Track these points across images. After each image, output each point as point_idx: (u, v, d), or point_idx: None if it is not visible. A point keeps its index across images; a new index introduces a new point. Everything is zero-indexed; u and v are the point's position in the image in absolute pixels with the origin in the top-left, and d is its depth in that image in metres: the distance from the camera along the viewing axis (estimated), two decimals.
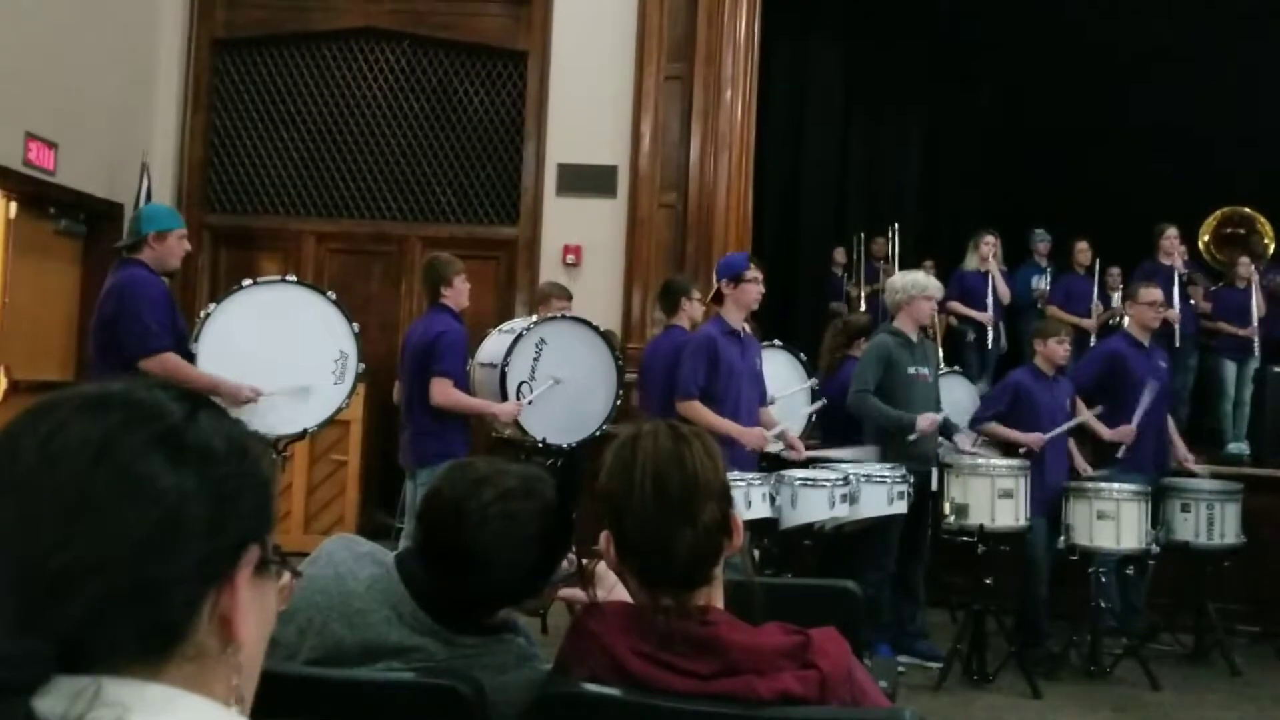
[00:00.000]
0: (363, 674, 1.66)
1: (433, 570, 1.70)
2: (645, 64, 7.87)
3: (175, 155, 8.24)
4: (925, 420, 5.43)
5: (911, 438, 5.42)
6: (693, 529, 1.55)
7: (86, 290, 7.10)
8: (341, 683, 1.64)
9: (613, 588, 1.82)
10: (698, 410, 5.09)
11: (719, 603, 1.61)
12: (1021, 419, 5.81)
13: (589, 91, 7.94)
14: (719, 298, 5.37)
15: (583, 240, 7.93)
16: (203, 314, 4.89)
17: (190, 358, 4.69)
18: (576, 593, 1.88)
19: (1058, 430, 5.74)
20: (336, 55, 8.34)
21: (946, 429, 5.77)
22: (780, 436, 5.50)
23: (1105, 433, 5.85)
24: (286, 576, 0.91)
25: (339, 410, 5.09)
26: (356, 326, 5.09)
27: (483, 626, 1.74)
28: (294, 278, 5.37)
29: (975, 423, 5.99)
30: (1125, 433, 5.80)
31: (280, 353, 4.86)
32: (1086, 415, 5.86)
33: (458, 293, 5.52)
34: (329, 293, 5.17)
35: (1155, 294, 6.14)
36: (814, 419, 6.31)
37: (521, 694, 1.65)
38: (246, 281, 5.02)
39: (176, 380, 4.92)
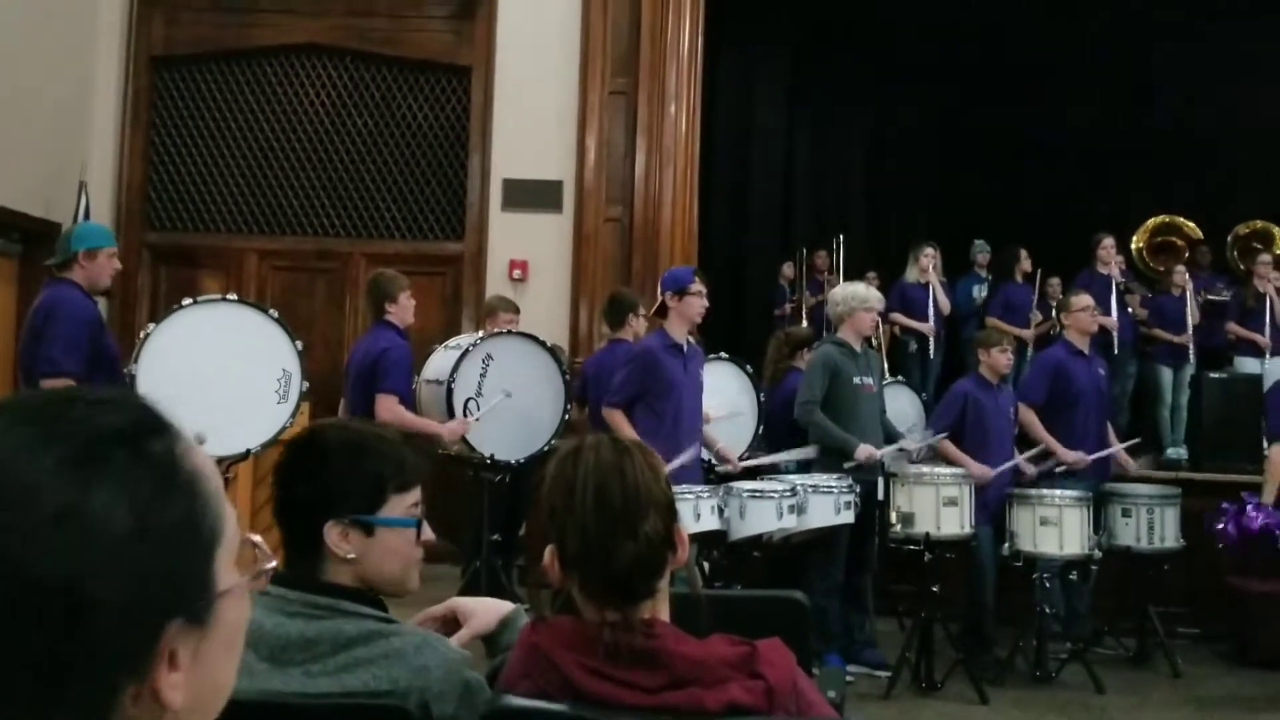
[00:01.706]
0: (301, 697, 1.64)
1: (285, 492, 1.77)
2: (589, 78, 7.89)
3: (114, 173, 8.12)
4: (863, 452, 5.47)
5: (847, 465, 5.47)
6: (634, 541, 1.56)
7: (21, 310, 6.95)
8: (286, 708, 1.62)
9: (483, 617, 1.91)
10: (616, 419, 5.12)
11: (665, 616, 1.62)
12: (969, 429, 5.88)
13: (533, 106, 7.94)
14: (663, 310, 5.38)
15: (529, 255, 7.92)
16: (142, 334, 4.81)
17: (130, 380, 4.61)
18: (464, 635, 1.91)
19: (1004, 467, 5.78)
20: (278, 71, 8.27)
21: (891, 437, 5.83)
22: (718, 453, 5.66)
23: (1066, 456, 5.91)
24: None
25: (283, 430, 5.02)
26: (300, 344, 5.03)
27: (368, 600, 1.74)
28: (235, 296, 5.31)
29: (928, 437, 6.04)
30: (1081, 460, 5.90)
31: (222, 372, 4.79)
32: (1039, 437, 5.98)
33: (403, 309, 5.48)
34: (271, 310, 5.12)
35: (1085, 299, 6.30)
36: (760, 431, 6.35)
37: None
38: (187, 300, 4.95)
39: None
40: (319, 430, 1.84)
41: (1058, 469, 5.94)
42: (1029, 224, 9.88)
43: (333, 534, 1.72)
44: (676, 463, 4.92)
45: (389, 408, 5.23)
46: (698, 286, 5.33)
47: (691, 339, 5.50)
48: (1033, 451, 5.99)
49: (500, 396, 5.55)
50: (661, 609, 1.62)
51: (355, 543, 1.73)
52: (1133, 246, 10.49)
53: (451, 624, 1.93)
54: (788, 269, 10.51)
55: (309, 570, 1.73)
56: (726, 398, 6.20)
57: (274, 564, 0.88)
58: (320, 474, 1.75)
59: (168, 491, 0.74)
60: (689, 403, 5.30)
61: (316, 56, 8.25)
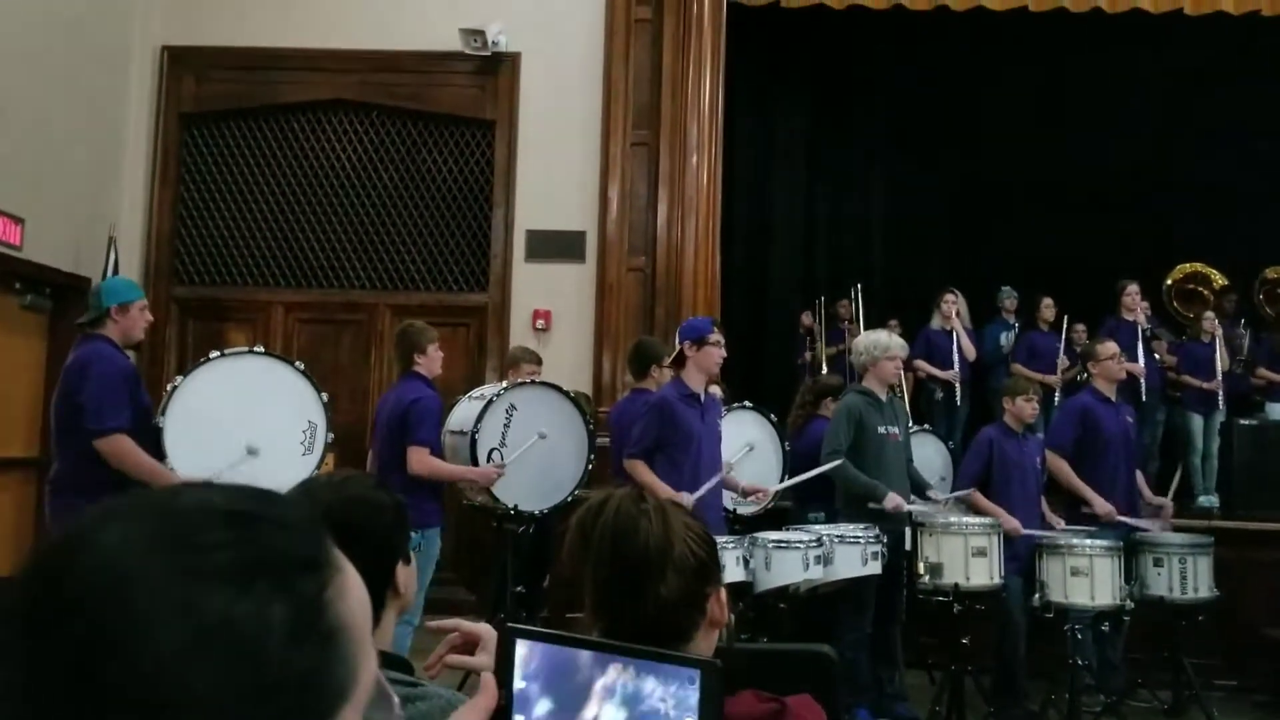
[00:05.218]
0: None
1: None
2: (611, 131, 7.96)
3: (143, 228, 8.23)
4: (891, 502, 5.43)
5: (872, 505, 5.42)
6: (644, 602, 1.54)
7: (52, 366, 7.03)
8: None
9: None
10: (639, 470, 5.10)
11: None
12: (994, 476, 5.83)
13: (556, 158, 8.01)
14: (680, 360, 5.36)
15: (552, 305, 7.95)
16: (170, 387, 4.84)
17: (156, 433, 4.63)
18: (466, 659, 1.88)
19: (1036, 532, 5.72)
20: (305, 127, 8.39)
21: (919, 485, 5.78)
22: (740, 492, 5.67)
23: (1099, 508, 5.84)
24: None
25: None
26: (325, 396, 5.05)
27: (396, 663, 1.74)
28: (261, 348, 5.34)
29: (958, 490, 5.99)
30: (1111, 515, 5.84)
31: (248, 424, 4.81)
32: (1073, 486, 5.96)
33: (431, 361, 5.50)
34: (297, 363, 5.14)
35: (1110, 347, 6.26)
36: (784, 479, 6.31)
37: None
38: (214, 353, 4.98)
39: (124, 465, 4.64)
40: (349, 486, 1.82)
41: (1084, 510, 5.87)
42: (1053, 271, 9.83)
43: (403, 574, 1.75)
44: (701, 491, 5.00)
45: (421, 459, 5.23)
46: (716, 337, 5.31)
47: (713, 389, 5.48)
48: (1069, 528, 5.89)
49: (534, 438, 5.54)
50: None
51: (404, 575, 1.77)
52: (1165, 284, 10.41)
53: (468, 649, 1.91)
54: (805, 318, 10.49)
55: None
56: (742, 439, 6.16)
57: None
58: (373, 523, 1.73)
59: (302, 639, 0.65)
60: (708, 452, 5.27)
61: (343, 112, 8.36)
